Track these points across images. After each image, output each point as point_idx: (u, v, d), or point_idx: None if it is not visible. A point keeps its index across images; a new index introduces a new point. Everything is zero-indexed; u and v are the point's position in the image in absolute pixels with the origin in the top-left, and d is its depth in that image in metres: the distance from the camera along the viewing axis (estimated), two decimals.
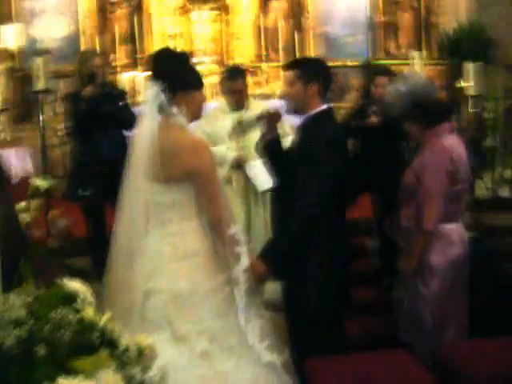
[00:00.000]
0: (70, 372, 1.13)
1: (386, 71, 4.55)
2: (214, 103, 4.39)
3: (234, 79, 4.15)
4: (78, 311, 1.28)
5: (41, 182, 3.28)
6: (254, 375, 2.36)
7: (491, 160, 5.05)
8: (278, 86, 8.08)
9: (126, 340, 1.31)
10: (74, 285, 1.39)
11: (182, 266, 2.43)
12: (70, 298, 1.34)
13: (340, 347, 2.90)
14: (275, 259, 2.70)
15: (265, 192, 4.06)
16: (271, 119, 3.02)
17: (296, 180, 2.83)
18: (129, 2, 8.31)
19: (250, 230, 4.04)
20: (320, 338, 2.80)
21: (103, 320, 1.30)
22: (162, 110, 2.46)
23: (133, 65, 7.99)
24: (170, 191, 2.46)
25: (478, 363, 2.66)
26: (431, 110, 3.14)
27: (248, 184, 4.16)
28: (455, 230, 3.16)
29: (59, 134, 7.24)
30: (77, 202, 4.39)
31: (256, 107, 4.06)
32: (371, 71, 8.40)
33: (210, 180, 2.49)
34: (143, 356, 1.29)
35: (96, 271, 4.27)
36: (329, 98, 3.06)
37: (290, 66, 3.04)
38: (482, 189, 4.93)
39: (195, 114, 2.59)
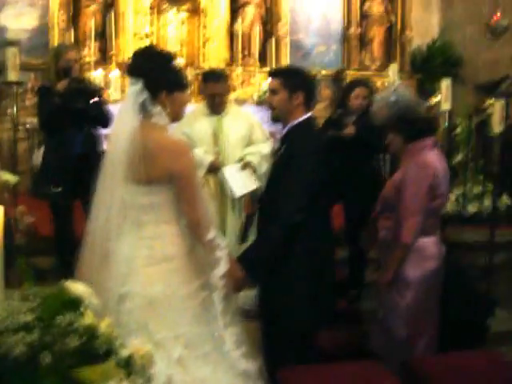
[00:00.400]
0: (77, 383, 1.07)
1: (365, 83, 4.58)
2: (193, 105, 4.32)
3: (216, 82, 4.10)
4: (82, 317, 1.21)
5: (9, 177, 3.17)
6: (230, 382, 2.32)
7: (462, 176, 5.13)
8: (251, 90, 8.08)
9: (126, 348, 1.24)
10: (79, 288, 1.33)
11: (159, 269, 2.37)
12: (75, 303, 1.27)
13: (313, 357, 2.88)
14: (254, 265, 2.67)
15: (241, 197, 4.03)
16: None
17: (279, 188, 2.80)
18: None
19: (225, 234, 3.99)
20: (294, 348, 2.77)
21: (104, 326, 1.24)
22: (143, 109, 2.40)
23: (104, 62, 7.87)
24: (149, 193, 2.39)
25: (448, 376, 2.68)
26: (417, 123, 3.16)
27: (224, 189, 4.11)
28: (432, 244, 3.19)
29: (27, 127, 7.08)
30: (46, 199, 4.27)
31: (236, 111, 4.03)
32: (345, 82, 8.54)
33: (191, 183, 2.43)
34: (146, 365, 1.23)
35: (58, 272, 4.17)
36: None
37: (275, 73, 3.01)
38: (452, 204, 5.00)
39: (177, 115, 2.53)
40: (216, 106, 4.13)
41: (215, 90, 4.10)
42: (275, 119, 3.00)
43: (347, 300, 4.53)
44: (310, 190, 2.74)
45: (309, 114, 2.93)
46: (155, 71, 2.43)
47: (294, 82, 2.89)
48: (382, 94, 3.35)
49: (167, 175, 2.38)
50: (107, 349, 1.22)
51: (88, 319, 1.24)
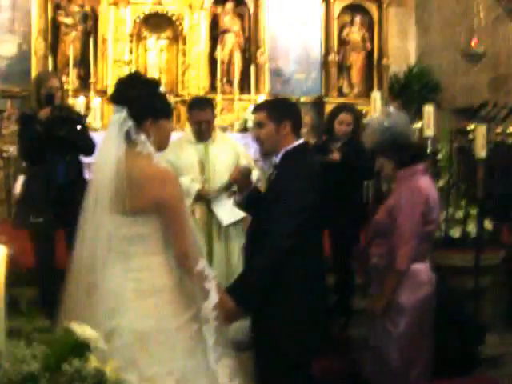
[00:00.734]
0: None
1: (349, 109, 4.60)
2: (177, 133, 4.29)
3: (202, 109, 4.07)
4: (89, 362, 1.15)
5: None
6: None
7: (444, 200, 5.14)
8: (231, 118, 8.09)
9: None
10: (85, 331, 1.27)
11: (148, 303, 2.30)
12: (81, 347, 1.21)
13: None
14: (245, 295, 2.61)
15: (229, 226, 3.98)
16: (241, 180, 2.98)
17: (266, 214, 2.77)
18: (84, 25, 8.18)
19: (212, 264, 3.92)
20: (289, 377, 2.71)
21: (110, 370, 1.18)
22: (127, 137, 2.34)
23: (83, 89, 7.83)
24: (135, 224, 2.32)
25: None
26: (409, 149, 3.17)
27: (211, 217, 4.07)
28: (424, 270, 3.19)
29: (4, 155, 6.99)
30: (27, 229, 4.17)
31: (222, 139, 4.00)
32: (324, 109, 8.59)
33: (178, 213, 2.37)
34: None
35: (41, 303, 4.05)
36: None
37: (258, 108, 2.99)
38: None
39: (162, 144, 2.47)
40: (202, 133, 4.09)
41: (201, 117, 4.06)
42: (266, 154, 2.97)
43: (336, 328, 4.48)
44: (301, 216, 2.70)
45: (302, 140, 2.91)
46: (140, 99, 2.37)
47: (279, 112, 2.87)
48: (374, 119, 3.36)
49: (154, 205, 2.32)
50: None
51: (94, 364, 1.18)
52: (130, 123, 2.33)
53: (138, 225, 2.33)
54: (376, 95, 5.05)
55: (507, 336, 4.83)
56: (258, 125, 2.89)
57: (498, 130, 6.44)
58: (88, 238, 2.33)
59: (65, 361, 1.16)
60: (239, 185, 2.99)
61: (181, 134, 4.34)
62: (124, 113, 2.33)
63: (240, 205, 3.06)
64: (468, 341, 3.71)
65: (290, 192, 2.71)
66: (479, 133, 4.42)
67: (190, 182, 3.96)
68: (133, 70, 8.15)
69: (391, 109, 3.29)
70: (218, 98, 8.05)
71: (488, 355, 4.20)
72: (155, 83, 2.57)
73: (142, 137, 2.35)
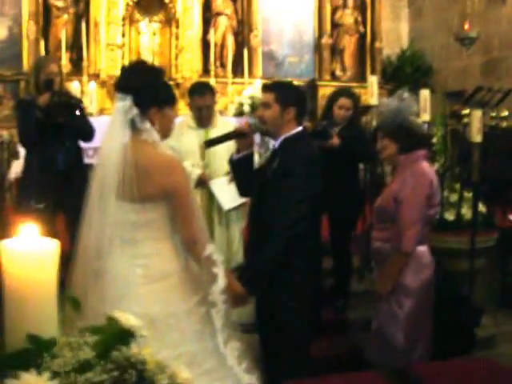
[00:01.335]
0: None
1: (349, 93, 4.59)
2: (180, 118, 4.28)
3: (203, 94, 4.07)
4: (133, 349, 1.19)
5: None
6: None
7: (439, 184, 5.19)
8: (225, 101, 8.09)
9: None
10: (129, 319, 1.30)
11: (157, 288, 2.32)
12: (127, 335, 1.24)
13: (310, 369, 2.88)
14: (254, 279, 2.66)
15: (230, 211, 4.01)
16: (248, 132, 2.96)
17: (271, 201, 2.80)
18: (75, 8, 8.11)
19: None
20: (294, 360, 2.78)
21: (148, 356, 1.22)
22: (132, 125, 2.35)
23: (77, 73, 7.78)
24: (143, 210, 2.33)
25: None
26: (414, 135, 3.22)
27: (212, 202, 4.09)
28: (426, 252, 3.26)
29: None
30: (28, 214, 4.17)
31: (223, 124, 4.01)
32: (315, 91, 8.58)
33: (186, 199, 2.39)
34: None
35: None
36: None
37: (268, 87, 2.99)
38: None
39: (166, 131, 2.48)
40: (203, 118, 4.10)
41: (202, 102, 4.07)
42: (264, 133, 3.00)
43: (334, 310, 4.54)
44: (307, 202, 2.76)
45: (301, 127, 2.94)
46: (145, 87, 2.37)
47: (287, 97, 2.89)
48: (388, 100, 3.39)
49: (161, 192, 2.34)
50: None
51: (134, 351, 1.22)
52: (135, 111, 2.33)
53: (146, 211, 2.34)
54: (373, 79, 5.05)
55: (499, 317, 4.92)
56: (264, 105, 2.92)
57: (493, 114, 6.50)
58: (94, 224, 2.34)
59: (113, 348, 1.20)
60: (241, 141, 2.98)
61: (180, 119, 4.35)
62: (129, 101, 2.33)
63: (233, 164, 3.05)
64: (465, 322, 3.78)
65: (295, 179, 2.75)
66: (475, 117, 4.45)
67: (191, 167, 3.98)
68: (125, 54, 8.13)
69: (405, 94, 3.31)
70: (212, 82, 8.01)
71: (481, 336, 4.27)
72: (159, 71, 2.58)
73: (147, 125, 2.36)
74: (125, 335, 1.26)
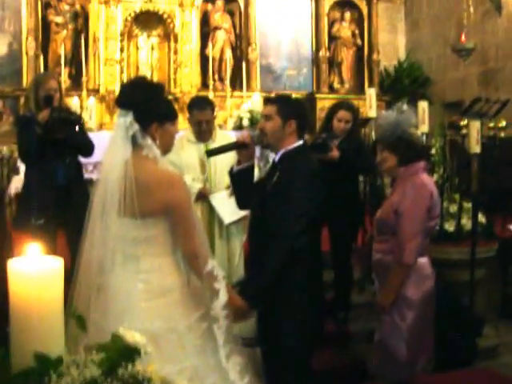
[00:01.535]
0: None
1: (348, 106, 4.60)
2: (180, 132, 4.29)
3: (203, 109, 4.08)
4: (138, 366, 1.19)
5: None
6: None
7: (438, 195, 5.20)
8: (223, 115, 8.11)
9: None
10: (134, 336, 1.31)
11: (158, 303, 2.32)
12: (132, 352, 1.25)
13: (312, 382, 2.88)
14: (256, 294, 2.66)
15: (230, 224, 4.01)
16: (249, 144, 2.96)
17: (271, 215, 2.81)
18: (74, 23, 8.16)
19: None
20: (295, 373, 2.77)
21: (153, 373, 1.22)
22: (133, 141, 2.35)
23: (77, 88, 7.82)
24: (144, 226, 2.34)
25: None
26: (413, 148, 3.24)
27: (212, 216, 4.08)
28: (427, 264, 3.25)
29: None
30: (27, 231, 4.16)
31: (222, 138, 4.01)
32: (314, 105, 8.60)
33: (187, 215, 2.39)
34: None
35: None
36: None
37: (271, 100, 3.01)
38: None
39: (168, 147, 2.49)
40: (202, 133, 4.11)
41: (201, 117, 4.07)
42: (265, 145, 3.01)
43: (335, 322, 4.53)
44: (308, 216, 2.76)
45: (301, 141, 2.94)
46: (146, 103, 2.38)
47: (289, 110, 2.91)
48: (387, 113, 3.41)
49: (163, 208, 2.34)
50: None
51: (139, 368, 1.22)
52: (136, 127, 2.34)
53: (147, 227, 2.34)
54: (371, 91, 5.07)
55: (500, 327, 4.91)
56: (266, 117, 2.93)
57: (491, 125, 6.52)
58: (96, 240, 2.34)
59: (118, 366, 1.20)
60: (242, 152, 2.98)
61: (180, 134, 4.36)
62: (130, 117, 2.34)
63: (233, 176, 3.05)
64: (466, 333, 3.78)
65: (296, 194, 2.75)
66: (473, 128, 4.47)
67: (191, 182, 3.98)
68: (124, 69, 8.17)
69: (404, 106, 3.33)
70: (210, 96, 8.06)
71: (483, 346, 4.27)
72: (160, 87, 2.58)
73: (148, 140, 2.36)
74: (130, 352, 1.26)
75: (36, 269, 1.34)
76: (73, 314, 1.43)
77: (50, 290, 1.34)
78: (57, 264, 1.37)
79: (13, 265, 1.34)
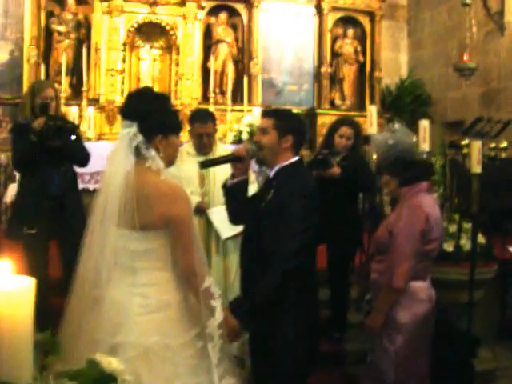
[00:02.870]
0: None
1: (350, 122, 4.55)
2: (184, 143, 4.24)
3: (204, 122, 4.03)
4: None
5: None
6: None
7: None
8: (224, 129, 8.08)
9: None
10: (111, 363, 1.24)
11: (154, 318, 2.26)
12: (108, 379, 1.17)
13: None
14: (250, 315, 2.59)
15: (227, 239, 3.94)
16: (245, 158, 2.89)
17: (266, 231, 2.74)
18: (77, 33, 8.16)
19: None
20: None
21: None
22: (136, 152, 2.31)
23: (77, 97, 7.79)
24: (144, 239, 2.29)
25: None
26: (413, 168, 3.16)
27: (209, 231, 4.02)
28: (423, 288, 3.17)
29: None
30: (19, 240, 4.10)
31: (223, 151, 3.96)
32: (315, 121, 8.58)
33: (187, 230, 2.33)
34: None
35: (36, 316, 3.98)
36: None
37: (268, 113, 2.94)
38: None
39: (171, 159, 2.44)
40: (203, 146, 4.06)
41: (202, 130, 4.03)
42: (261, 161, 2.94)
43: (331, 342, 4.46)
44: (304, 236, 2.70)
45: (297, 157, 2.88)
46: (151, 115, 2.34)
47: (286, 124, 2.84)
48: (381, 135, 3.34)
49: (163, 221, 2.29)
50: None
51: None
52: (140, 138, 2.30)
53: (147, 240, 2.30)
54: (372, 108, 5.03)
55: (498, 350, 4.83)
56: (262, 130, 2.86)
57: (492, 145, 6.49)
58: (94, 251, 2.29)
59: None
60: (237, 166, 2.90)
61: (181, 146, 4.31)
62: (134, 128, 2.30)
63: (227, 190, 2.97)
64: (461, 354, 3.70)
65: (291, 213, 2.69)
66: (474, 148, 4.43)
67: (190, 195, 3.91)
68: (126, 79, 8.15)
69: (396, 126, 3.26)
70: (211, 109, 8.03)
71: (480, 370, 4.20)
72: (165, 98, 2.55)
73: (152, 152, 2.32)
74: (105, 380, 1.18)
75: (4, 288, 1.25)
76: (45, 339, 1.35)
77: (19, 310, 1.25)
78: (26, 283, 1.28)
79: None
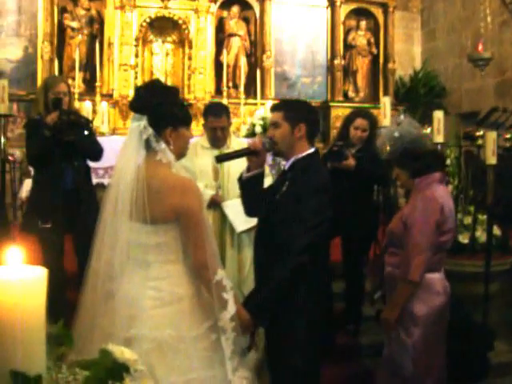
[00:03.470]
0: None
1: (365, 114, 4.51)
2: (193, 138, 4.24)
3: (218, 116, 4.01)
4: None
5: None
6: None
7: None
8: (238, 122, 8.07)
9: None
10: (124, 353, 1.24)
11: (167, 311, 2.26)
12: (121, 369, 1.18)
13: None
14: (262, 308, 2.59)
15: (242, 233, 3.94)
16: (260, 151, 2.86)
17: (279, 224, 2.74)
18: (90, 28, 8.20)
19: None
20: None
21: None
22: (147, 146, 2.31)
23: (90, 93, 7.82)
24: (155, 232, 2.29)
25: None
26: (422, 159, 3.13)
27: (224, 224, 4.01)
28: (438, 280, 3.15)
29: (10, 159, 6.97)
30: (35, 234, 4.13)
31: (237, 145, 3.95)
32: (330, 113, 8.55)
33: (198, 222, 2.32)
34: None
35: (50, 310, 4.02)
36: None
37: (277, 106, 2.92)
38: None
39: (182, 151, 2.44)
40: (217, 140, 4.04)
41: (216, 124, 4.01)
42: (278, 154, 2.93)
43: (346, 335, 4.45)
44: (318, 230, 2.68)
45: (313, 149, 2.85)
46: (161, 108, 2.34)
47: (296, 114, 2.81)
48: (386, 129, 3.31)
49: (174, 214, 2.29)
50: None
51: None
52: (150, 131, 2.30)
53: (158, 233, 2.30)
54: (385, 100, 5.00)
55: None
56: (274, 124, 2.84)
57: (507, 136, 6.42)
58: (106, 245, 2.30)
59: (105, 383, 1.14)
60: (252, 159, 2.88)
61: (194, 139, 4.30)
62: (144, 121, 2.30)
63: (243, 183, 2.96)
64: (477, 347, 3.68)
65: (305, 207, 2.67)
66: (489, 139, 4.38)
67: (204, 188, 3.91)
68: (139, 74, 8.17)
69: (401, 117, 3.23)
70: (224, 102, 8.03)
71: (496, 362, 4.17)
72: (175, 91, 2.53)
73: (162, 145, 2.32)
74: (118, 370, 1.19)
75: (16, 277, 1.25)
76: (59, 329, 1.36)
77: (31, 301, 1.25)
78: (38, 273, 1.29)
79: None
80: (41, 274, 1.30)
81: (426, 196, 3.09)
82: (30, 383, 1.15)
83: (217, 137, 4.03)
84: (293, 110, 2.85)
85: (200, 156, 4.02)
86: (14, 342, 1.21)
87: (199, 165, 3.97)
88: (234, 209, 3.81)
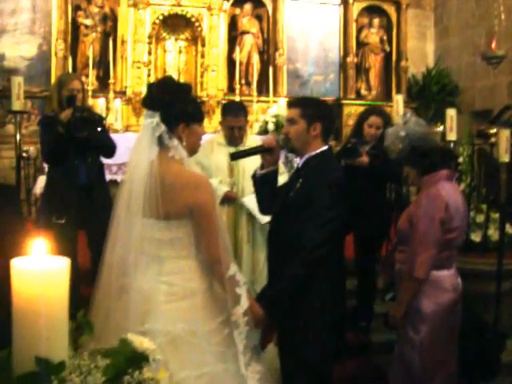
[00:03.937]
0: None
1: (379, 112, 4.51)
2: (206, 135, 4.26)
3: (237, 116, 4.04)
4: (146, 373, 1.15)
5: None
6: None
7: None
8: (250, 119, 8.05)
9: None
10: (143, 342, 1.27)
11: (180, 306, 2.29)
12: (140, 358, 1.21)
13: None
14: (275, 303, 2.61)
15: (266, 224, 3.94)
16: (275, 149, 2.88)
17: (292, 221, 2.75)
18: (103, 26, 8.25)
19: (240, 268, 3.90)
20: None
21: (163, 379, 1.19)
22: (160, 142, 2.34)
23: (104, 90, 7.88)
24: (168, 228, 2.32)
25: None
26: (430, 156, 3.13)
27: (238, 220, 4.03)
28: (447, 277, 3.13)
29: (24, 155, 7.02)
30: (48, 230, 4.17)
31: (253, 143, 3.97)
32: (343, 110, 8.54)
33: (211, 218, 2.35)
34: None
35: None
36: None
37: (294, 103, 2.93)
38: None
39: (194, 148, 2.46)
40: (234, 138, 4.08)
41: (234, 123, 4.04)
42: (291, 150, 2.94)
43: (357, 332, 4.46)
44: (332, 226, 2.69)
45: (327, 146, 2.87)
46: (173, 104, 2.36)
47: (313, 112, 2.82)
48: (392, 128, 3.32)
49: (187, 210, 2.32)
50: None
51: (148, 374, 1.18)
52: (163, 128, 2.33)
53: (171, 229, 2.32)
54: (398, 98, 5.00)
55: None
56: (290, 121, 2.85)
57: None
58: (120, 240, 2.33)
59: (124, 372, 1.16)
60: (266, 157, 2.90)
61: (211, 136, 4.31)
62: (157, 118, 2.33)
63: (257, 180, 2.98)
64: (489, 347, 3.67)
65: (319, 203, 2.68)
66: (502, 137, 4.38)
67: (218, 184, 3.94)
68: (152, 71, 8.21)
69: (408, 115, 3.22)
70: (237, 100, 8.06)
71: (507, 361, 4.16)
72: (187, 87, 2.55)
73: (175, 141, 2.35)
74: (138, 359, 1.22)
75: (40, 268, 1.30)
76: (80, 318, 1.39)
77: (54, 290, 1.29)
78: (62, 264, 1.33)
79: (15, 264, 1.29)
80: (64, 264, 1.35)
81: (431, 193, 3.07)
82: (54, 369, 1.18)
83: (234, 136, 4.06)
84: (310, 107, 2.86)
85: (216, 153, 4.05)
86: (39, 330, 1.25)
87: (215, 161, 4.01)
88: (254, 202, 3.84)
